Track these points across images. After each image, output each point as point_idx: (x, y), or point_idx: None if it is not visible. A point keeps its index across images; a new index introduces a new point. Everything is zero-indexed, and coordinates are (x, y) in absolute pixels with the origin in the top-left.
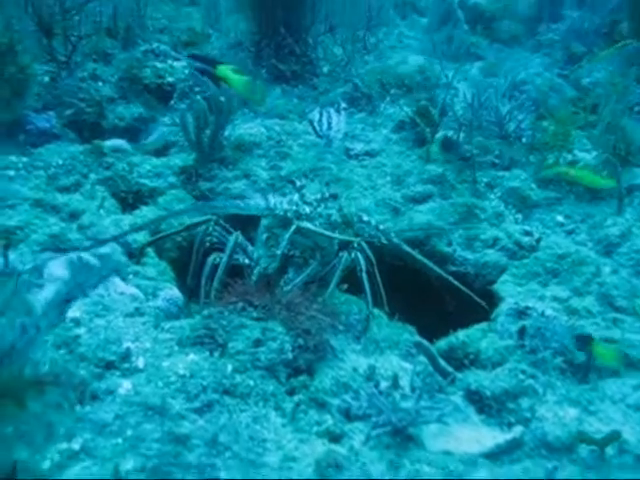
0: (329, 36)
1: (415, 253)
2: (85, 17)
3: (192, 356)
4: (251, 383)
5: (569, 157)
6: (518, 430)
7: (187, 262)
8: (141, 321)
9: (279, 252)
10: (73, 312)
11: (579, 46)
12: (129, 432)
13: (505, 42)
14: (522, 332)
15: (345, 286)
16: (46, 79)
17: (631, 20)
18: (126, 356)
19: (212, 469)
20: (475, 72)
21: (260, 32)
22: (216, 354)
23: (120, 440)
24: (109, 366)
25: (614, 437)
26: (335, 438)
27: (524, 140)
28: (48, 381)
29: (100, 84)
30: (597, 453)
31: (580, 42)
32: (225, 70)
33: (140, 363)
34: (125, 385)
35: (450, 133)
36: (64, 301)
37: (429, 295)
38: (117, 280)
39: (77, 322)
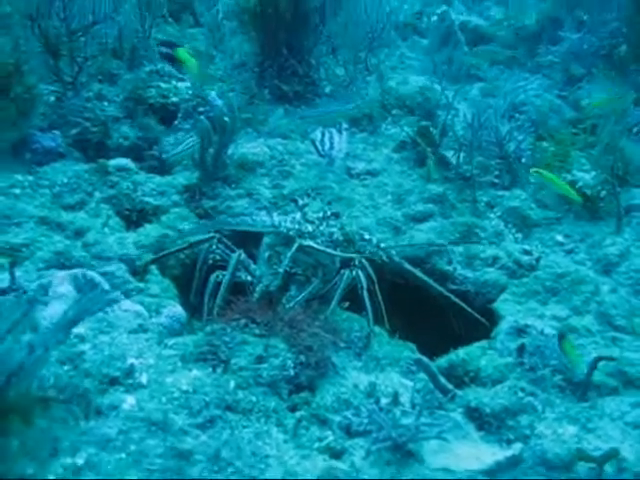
0: (331, 57)
1: (416, 271)
2: (91, 38)
3: (195, 372)
4: (253, 399)
5: (568, 177)
6: (517, 447)
7: (190, 279)
8: (145, 337)
9: (281, 270)
10: (77, 328)
11: (578, 68)
12: (132, 447)
13: (505, 64)
14: (521, 350)
15: (347, 304)
16: (52, 99)
17: (629, 43)
18: (130, 372)
19: None
20: (475, 93)
21: (263, 53)
22: (219, 370)
23: (124, 455)
24: (113, 382)
25: (612, 455)
26: (336, 454)
27: (524, 160)
28: (53, 397)
29: (105, 104)
30: (596, 471)
31: (579, 64)
32: (182, 52)
33: (144, 379)
34: (129, 401)
35: (450, 153)
36: (71, 322)
37: (429, 313)
38: (121, 297)
39: (82, 338)
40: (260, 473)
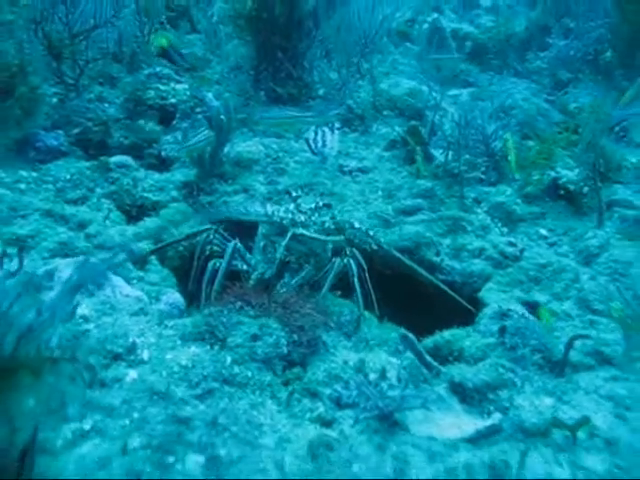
0: (325, 61)
1: (405, 258)
2: (92, 42)
3: (194, 349)
4: (249, 374)
5: (552, 174)
6: (497, 417)
7: (188, 270)
8: (145, 320)
9: (278, 256)
10: (82, 310)
11: (565, 73)
12: (135, 415)
13: (495, 69)
14: (503, 331)
15: (338, 293)
16: (54, 100)
17: (614, 49)
18: (132, 349)
19: (212, 447)
20: (465, 97)
21: (258, 57)
22: (216, 347)
23: (127, 421)
24: (116, 357)
25: (584, 422)
26: (326, 423)
27: (509, 158)
28: (61, 357)
29: (106, 105)
30: (569, 437)
31: (566, 69)
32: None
33: (145, 355)
34: (131, 374)
35: (439, 151)
36: (75, 287)
37: (417, 302)
38: (122, 283)
39: (86, 319)
40: (255, 438)
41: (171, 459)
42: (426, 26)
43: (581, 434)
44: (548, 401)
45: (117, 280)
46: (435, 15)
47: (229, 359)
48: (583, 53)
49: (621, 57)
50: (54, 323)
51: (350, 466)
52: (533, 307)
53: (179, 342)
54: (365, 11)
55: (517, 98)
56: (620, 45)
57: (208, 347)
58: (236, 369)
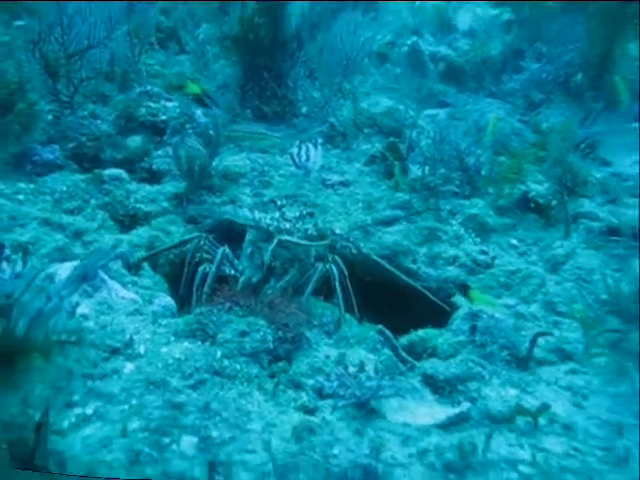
0: (308, 81)
1: (384, 263)
2: (86, 62)
3: (186, 344)
4: (237, 367)
5: (523, 188)
6: (466, 405)
7: (179, 276)
8: (141, 319)
9: (265, 259)
10: (82, 309)
11: (538, 94)
12: (134, 401)
13: (471, 90)
14: (473, 330)
15: (321, 297)
16: (50, 117)
17: (584, 72)
18: (129, 344)
19: (205, 429)
20: (443, 116)
21: (245, 76)
22: (207, 343)
23: (126, 407)
24: (115, 352)
25: (544, 408)
26: (309, 411)
27: (483, 173)
28: (68, 340)
29: (99, 122)
30: (531, 423)
31: (539, 91)
32: None
33: (142, 349)
34: (129, 366)
35: (417, 167)
36: (81, 275)
37: (395, 307)
38: (118, 286)
39: (85, 317)
40: (244, 423)
41: (167, 440)
42: (405, 49)
43: (542, 420)
44: (513, 392)
45: (113, 283)
46: (414, 38)
47: (219, 353)
48: (555, 76)
49: (590, 80)
50: (61, 308)
51: (331, 448)
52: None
53: (172, 338)
54: (347, 34)
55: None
56: (590, 68)
57: (199, 342)
58: (226, 362)
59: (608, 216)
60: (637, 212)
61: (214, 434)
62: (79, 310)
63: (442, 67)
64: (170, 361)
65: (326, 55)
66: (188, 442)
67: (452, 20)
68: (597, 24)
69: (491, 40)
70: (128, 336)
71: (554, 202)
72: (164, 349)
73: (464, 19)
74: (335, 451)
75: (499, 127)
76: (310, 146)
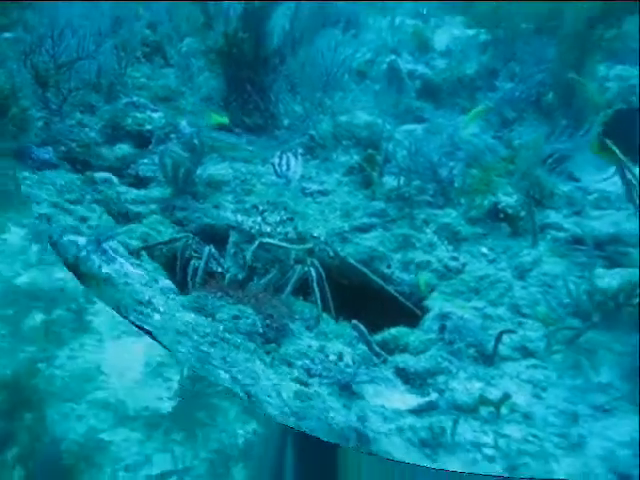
0: (290, 95)
1: (360, 266)
2: (75, 73)
3: (193, 316)
4: (238, 340)
5: (493, 199)
6: (434, 395)
7: (173, 267)
8: (152, 289)
9: (247, 259)
10: (105, 269)
11: (511, 112)
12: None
13: (447, 107)
14: (442, 328)
15: (301, 298)
16: (40, 124)
17: (554, 91)
18: (150, 302)
19: (230, 372)
20: (419, 131)
21: (228, 89)
22: (209, 319)
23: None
24: (141, 303)
25: (505, 398)
26: (303, 384)
27: (456, 184)
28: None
29: (87, 130)
30: (494, 412)
31: (512, 109)
32: None
33: (161, 308)
34: (156, 317)
35: (392, 177)
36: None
37: (370, 309)
38: (127, 263)
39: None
40: (257, 377)
41: (208, 367)
42: (384, 66)
43: (504, 409)
44: (478, 385)
45: (122, 260)
46: (393, 57)
47: (221, 327)
48: (527, 95)
49: (561, 98)
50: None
51: (327, 412)
52: None
53: (181, 308)
54: (328, 50)
55: (467, 132)
56: (559, 88)
57: (203, 317)
58: (228, 335)
59: (573, 227)
60: (600, 224)
61: (239, 377)
62: (104, 269)
63: (419, 84)
64: (185, 322)
65: (308, 70)
66: (222, 375)
67: (429, 40)
68: (567, 47)
69: (467, 60)
70: (147, 297)
71: (523, 213)
72: (178, 313)
73: (441, 39)
74: (331, 413)
75: (474, 143)
76: (291, 156)
